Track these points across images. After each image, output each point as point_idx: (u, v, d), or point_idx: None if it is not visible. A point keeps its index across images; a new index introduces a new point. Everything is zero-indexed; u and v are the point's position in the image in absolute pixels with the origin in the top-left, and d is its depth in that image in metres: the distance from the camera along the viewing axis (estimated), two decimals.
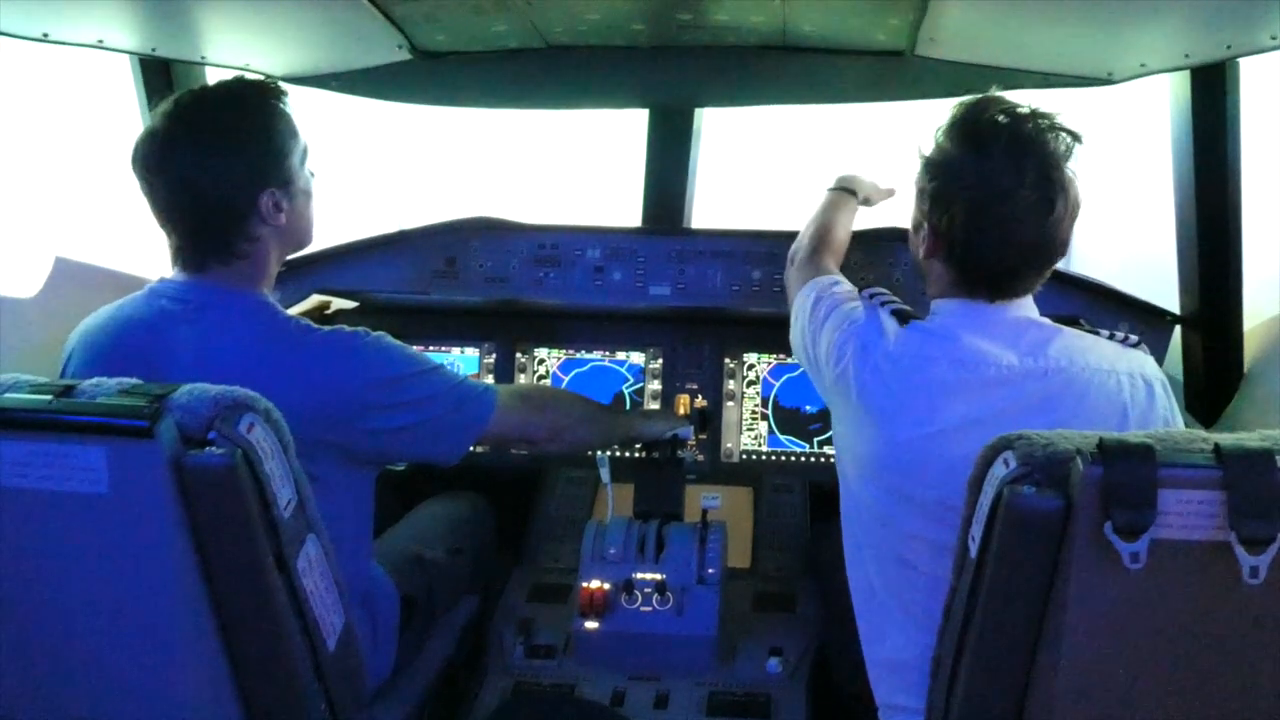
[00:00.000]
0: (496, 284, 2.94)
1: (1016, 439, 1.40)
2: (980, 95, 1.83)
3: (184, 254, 1.91)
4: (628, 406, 3.07)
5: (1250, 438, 1.32)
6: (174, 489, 1.44)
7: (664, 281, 2.90)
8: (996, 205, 1.74)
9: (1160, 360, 2.72)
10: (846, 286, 2.14)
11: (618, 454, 2.96)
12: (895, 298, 1.95)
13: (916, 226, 1.90)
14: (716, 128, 3.33)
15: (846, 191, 2.60)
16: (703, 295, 2.89)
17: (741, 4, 2.02)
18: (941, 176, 1.81)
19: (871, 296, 1.96)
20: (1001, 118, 1.76)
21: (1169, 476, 1.28)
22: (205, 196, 1.86)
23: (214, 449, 1.44)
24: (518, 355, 3.13)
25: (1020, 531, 1.36)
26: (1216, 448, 1.30)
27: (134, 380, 1.51)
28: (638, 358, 3.11)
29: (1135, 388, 1.79)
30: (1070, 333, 1.83)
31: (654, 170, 3.22)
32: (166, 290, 1.91)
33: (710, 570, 2.37)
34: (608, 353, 3.13)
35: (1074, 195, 1.76)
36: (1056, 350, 1.78)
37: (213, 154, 1.86)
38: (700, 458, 3.04)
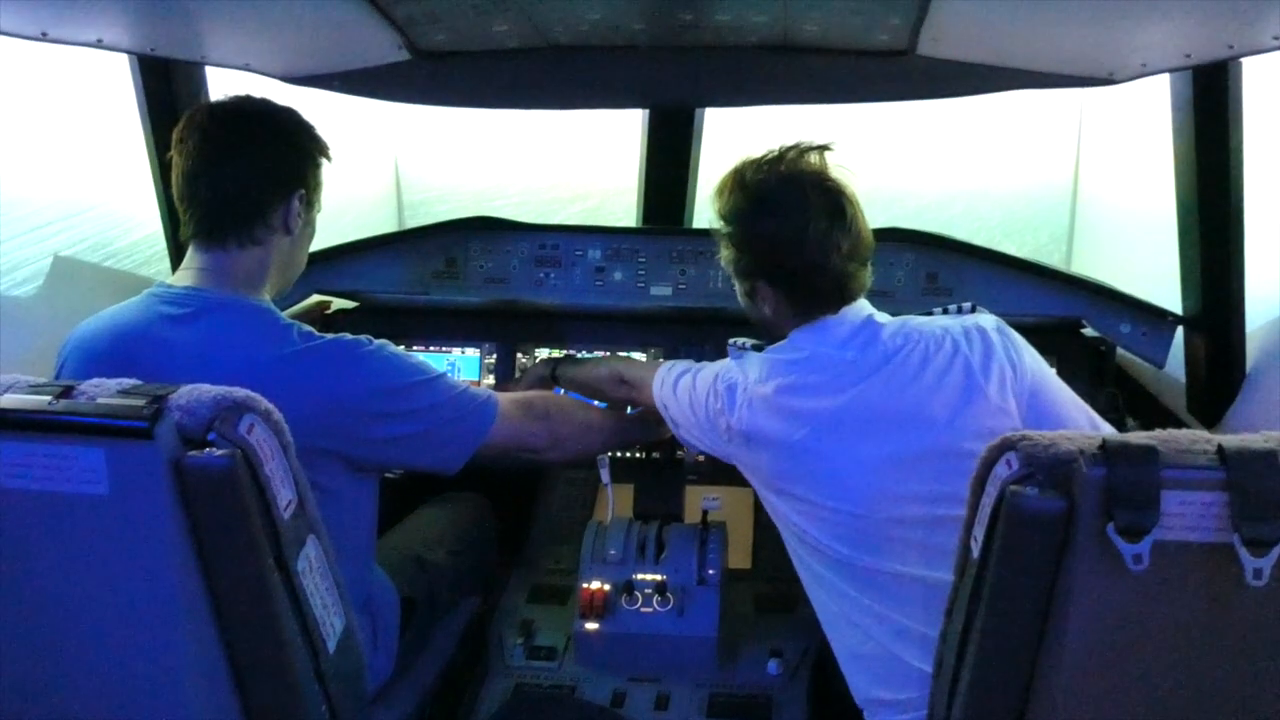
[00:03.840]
0: (497, 284, 2.94)
1: (1019, 439, 1.40)
2: (731, 167, 2.03)
3: (206, 225, 1.92)
4: (629, 409, 3.06)
5: (1253, 439, 1.31)
6: (174, 490, 1.44)
7: (665, 282, 2.89)
8: (801, 234, 1.92)
9: (1162, 361, 2.72)
10: (685, 362, 2.27)
11: (618, 455, 2.95)
12: (755, 340, 2.11)
13: (749, 294, 2.07)
14: (717, 127, 3.32)
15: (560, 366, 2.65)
16: (704, 295, 2.89)
17: (743, 4, 2.01)
18: (747, 245, 2.00)
19: (739, 347, 2.11)
20: (758, 173, 1.98)
21: (1172, 478, 1.28)
22: (253, 167, 1.92)
23: (214, 450, 1.44)
24: (518, 356, 3.12)
25: (1022, 533, 1.36)
26: (1220, 449, 1.29)
27: (133, 381, 1.51)
28: (639, 358, 3.10)
29: (970, 340, 1.93)
30: (904, 318, 2.01)
31: (653, 170, 3.21)
32: (166, 295, 1.90)
33: (710, 571, 2.37)
34: (609, 353, 3.12)
35: (850, 191, 1.97)
36: (890, 334, 1.96)
37: (277, 135, 1.97)
38: (700, 458, 3.03)
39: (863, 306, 2.01)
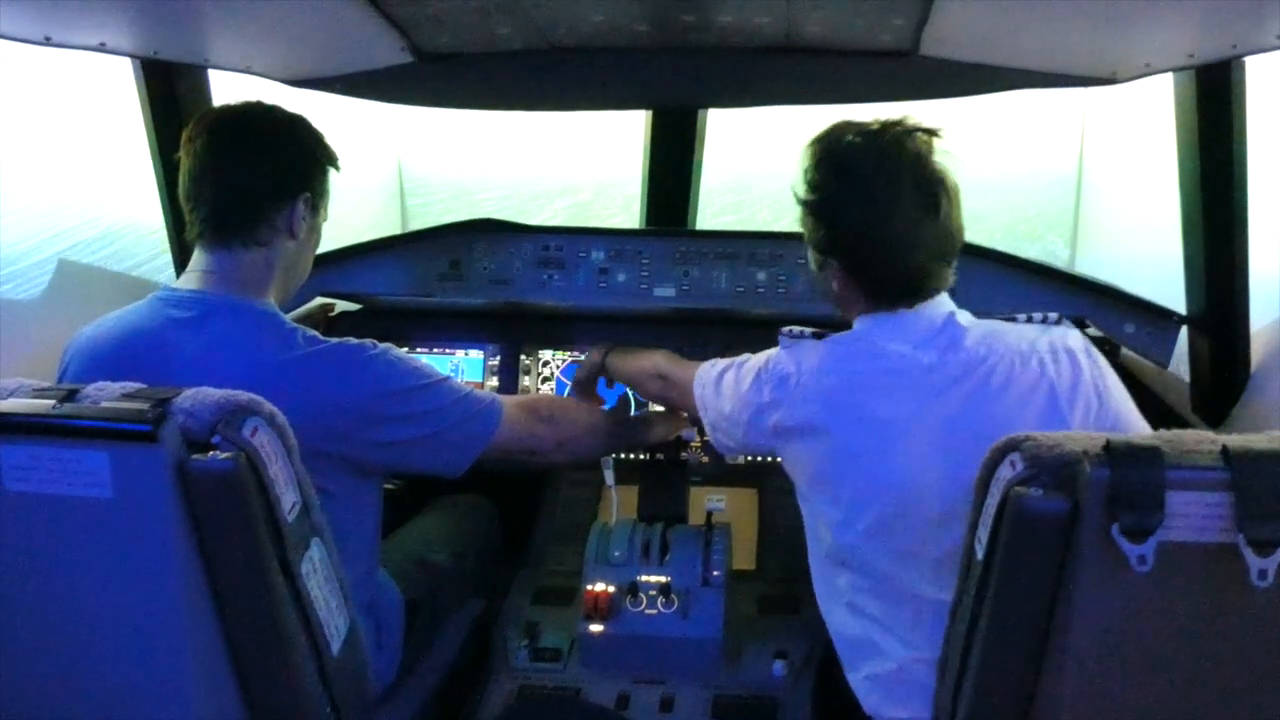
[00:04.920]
0: (500, 286, 2.93)
1: (1023, 440, 1.40)
2: (827, 127, 1.87)
3: (211, 224, 1.92)
4: (632, 408, 3.07)
5: (1258, 439, 1.31)
6: (178, 493, 1.44)
7: (668, 283, 2.89)
8: (885, 223, 1.79)
9: (1166, 360, 2.72)
10: (728, 358, 2.14)
11: (622, 456, 2.95)
12: (810, 328, 1.99)
13: (820, 267, 1.93)
14: (721, 127, 3.33)
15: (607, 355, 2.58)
16: (707, 297, 2.89)
17: (746, 5, 2.01)
18: (825, 215, 1.86)
19: (791, 336, 1.99)
20: (856, 139, 1.81)
21: (1176, 478, 1.28)
22: (259, 168, 1.93)
23: (218, 453, 1.44)
24: (522, 358, 3.12)
25: (1026, 534, 1.36)
26: (1224, 449, 1.29)
27: (137, 384, 1.51)
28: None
29: (1058, 362, 1.80)
30: (988, 322, 1.87)
31: (656, 171, 3.21)
32: (171, 298, 1.90)
33: (715, 573, 2.36)
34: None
35: (952, 185, 1.81)
36: (974, 342, 1.82)
37: (284, 138, 1.97)
38: (705, 459, 3.03)
39: (943, 303, 1.88)
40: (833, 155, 1.84)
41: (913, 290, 1.86)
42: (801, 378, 1.89)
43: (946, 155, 1.82)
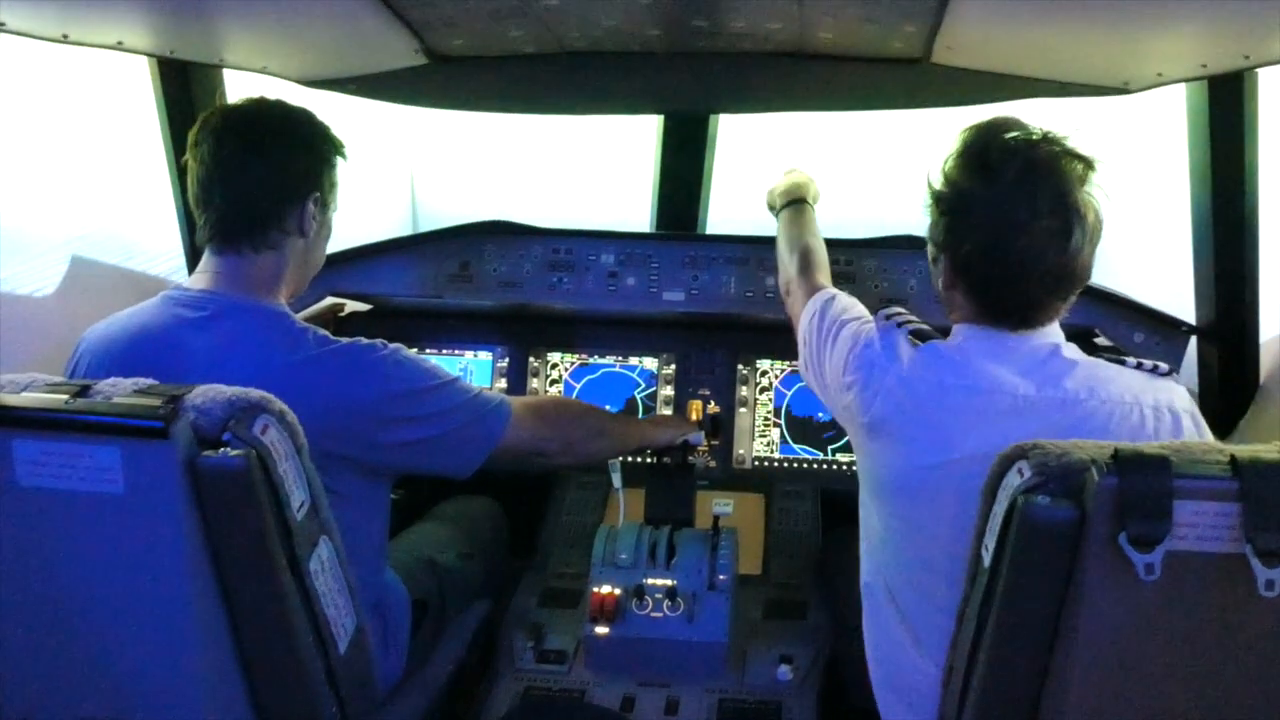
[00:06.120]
0: (510, 288, 2.94)
1: (1031, 448, 1.40)
2: (989, 119, 1.77)
3: (220, 229, 1.93)
4: (640, 412, 3.07)
5: (1266, 449, 1.31)
6: (188, 489, 1.45)
7: (677, 287, 2.90)
8: (1012, 238, 1.68)
9: (1175, 370, 2.72)
10: (844, 302, 2.08)
11: (629, 459, 2.96)
12: (913, 318, 1.89)
13: (934, 259, 1.85)
14: (730, 131, 3.33)
15: (798, 202, 2.53)
16: (716, 301, 2.89)
17: (758, 11, 2.01)
18: (953, 210, 1.76)
19: (889, 317, 1.89)
20: (1011, 140, 1.71)
21: (1184, 488, 1.28)
22: (265, 174, 1.92)
23: (228, 450, 1.45)
24: (530, 360, 3.13)
25: (1034, 542, 1.36)
26: (1232, 459, 1.29)
27: (149, 381, 1.52)
28: (650, 363, 3.11)
29: (1160, 421, 1.70)
30: (1095, 363, 1.76)
31: (667, 175, 3.22)
32: (182, 298, 1.91)
33: (721, 577, 2.36)
34: (620, 358, 3.13)
35: (1093, 221, 1.69)
36: (1076, 381, 1.71)
37: (290, 139, 1.96)
38: (712, 464, 3.04)
39: (1051, 333, 1.78)
40: (979, 146, 1.74)
41: (1018, 315, 1.76)
42: (887, 376, 1.80)
43: (1098, 190, 1.71)
